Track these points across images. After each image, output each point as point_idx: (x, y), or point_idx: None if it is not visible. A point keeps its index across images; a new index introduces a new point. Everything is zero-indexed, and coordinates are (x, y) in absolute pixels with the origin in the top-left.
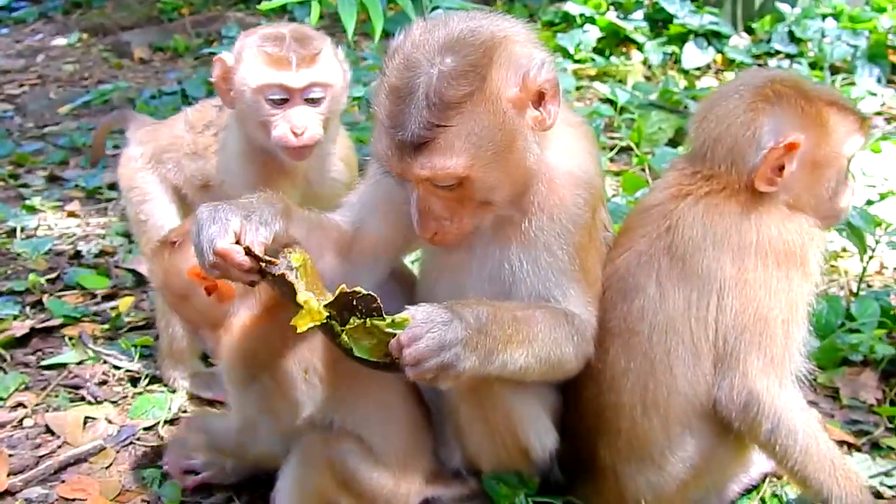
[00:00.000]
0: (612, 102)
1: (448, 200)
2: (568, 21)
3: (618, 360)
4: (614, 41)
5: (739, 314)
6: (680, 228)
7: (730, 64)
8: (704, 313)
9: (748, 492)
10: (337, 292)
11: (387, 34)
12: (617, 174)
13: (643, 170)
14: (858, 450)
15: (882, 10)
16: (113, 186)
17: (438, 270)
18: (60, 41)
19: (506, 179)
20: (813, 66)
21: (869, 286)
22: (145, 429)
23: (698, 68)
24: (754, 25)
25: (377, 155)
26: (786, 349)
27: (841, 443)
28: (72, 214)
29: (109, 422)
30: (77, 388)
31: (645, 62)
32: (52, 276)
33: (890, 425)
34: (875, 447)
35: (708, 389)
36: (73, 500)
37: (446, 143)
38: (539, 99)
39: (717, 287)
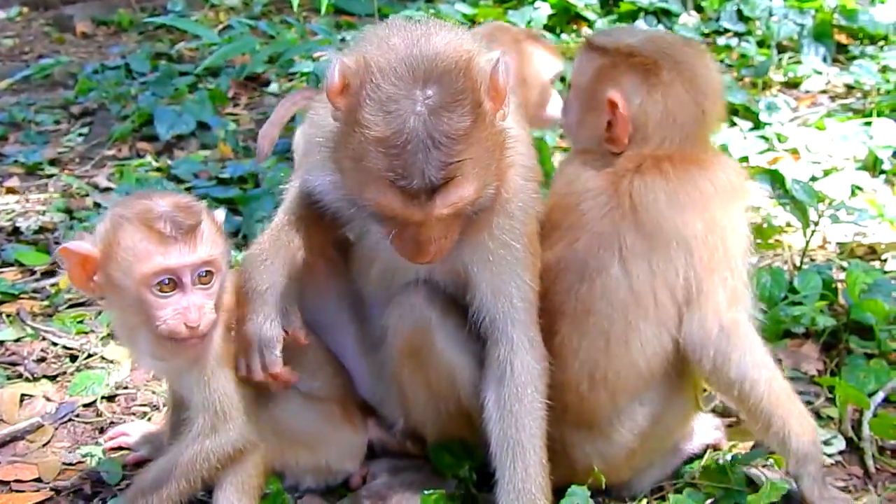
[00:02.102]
0: (562, 79)
1: (448, 221)
2: None
3: (568, 341)
4: (565, 18)
5: (709, 260)
6: (645, 205)
7: None
8: (674, 276)
9: (691, 461)
10: None
11: (335, 8)
12: (566, 150)
13: None
14: None
15: None
16: (53, 162)
17: (379, 259)
18: (0, 14)
19: (501, 183)
20: (760, 44)
21: (812, 260)
22: (85, 405)
23: None
24: (703, 4)
25: (379, 209)
26: (743, 281)
27: None
28: (11, 191)
29: (47, 399)
30: (14, 364)
31: None
32: None
33: (830, 395)
34: (816, 417)
35: (665, 358)
36: (10, 481)
37: (463, 176)
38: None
39: (685, 247)
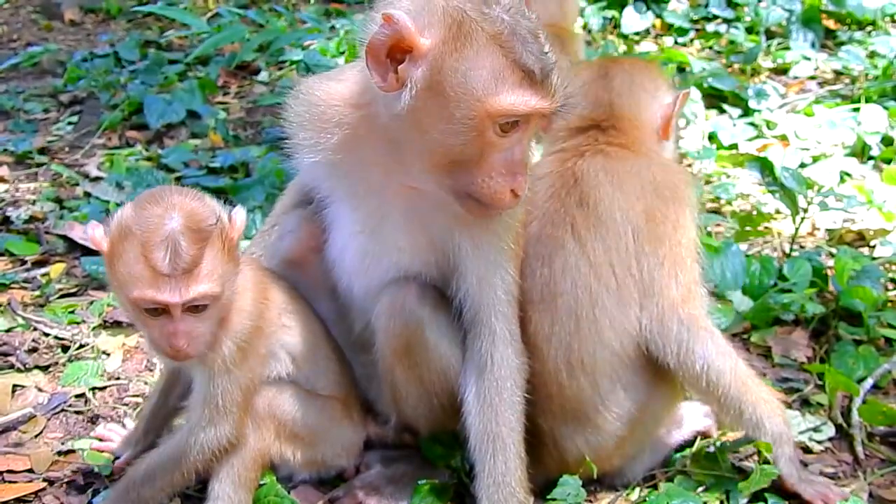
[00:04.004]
0: None
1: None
2: None
3: (540, 328)
4: None
5: (656, 250)
6: (586, 179)
7: (668, 29)
8: (625, 254)
9: (681, 448)
10: None
11: None
12: None
13: None
14: (789, 406)
15: None
16: (43, 151)
17: (360, 232)
18: None
19: None
20: (749, 30)
21: (801, 247)
22: (77, 396)
23: (637, 33)
24: None
25: (511, 110)
26: (695, 280)
27: None
28: (0, 179)
29: (39, 389)
30: (6, 355)
31: (585, 27)
32: None
33: (819, 382)
34: (805, 404)
35: (635, 337)
36: (3, 471)
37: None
38: None
39: (631, 228)
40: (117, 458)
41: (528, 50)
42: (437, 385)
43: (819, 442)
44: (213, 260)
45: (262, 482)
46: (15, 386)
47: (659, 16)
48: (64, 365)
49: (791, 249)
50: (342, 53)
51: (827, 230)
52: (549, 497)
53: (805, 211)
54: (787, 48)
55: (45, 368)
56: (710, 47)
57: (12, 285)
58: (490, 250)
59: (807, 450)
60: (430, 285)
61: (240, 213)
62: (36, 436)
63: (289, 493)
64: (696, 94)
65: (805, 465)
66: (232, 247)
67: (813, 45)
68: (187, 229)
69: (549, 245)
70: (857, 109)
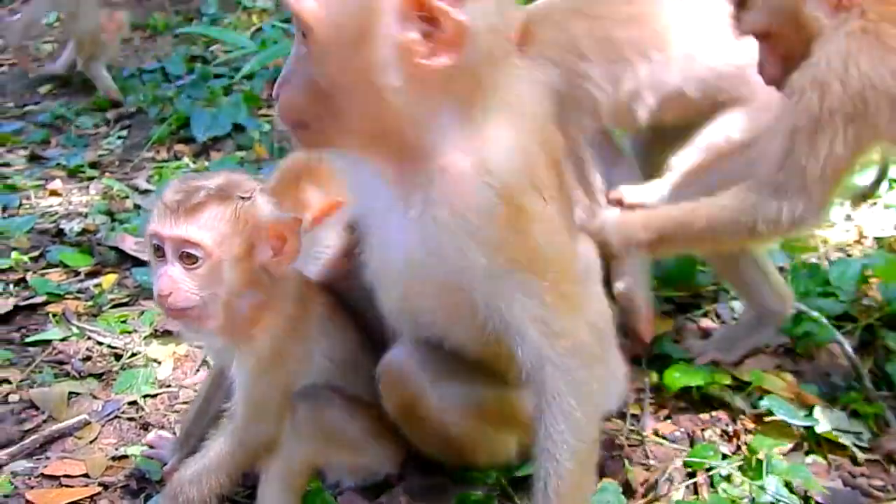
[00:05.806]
0: None
1: None
2: None
3: None
4: None
5: None
6: None
7: None
8: None
9: None
10: None
11: None
12: None
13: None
14: None
15: None
16: (94, 165)
17: (384, 253)
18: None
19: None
20: None
21: (848, 255)
22: (129, 403)
23: None
24: None
25: None
26: None
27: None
28: (54, 193)
29: (94, 397)
30: (61, 363)
31: None
32: (36, 254)
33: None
34: (852, 414)
35: None
36: (60, 476)
37: None
38: None
39: None
40: (166, 464)
41: None
42: (443, 437)
43: (862, 449)
44: (219, 218)
45: (308, 488)
46: (70, 393)
47: None
48: (117, 373)
49: (838, 257)
50: None
51: (875, 238)
52: None
53: (852, 218)
54: None
55: (98, 376)
56: None
57: (67, 296)
58: (501, 273)
59: (854, 461)
60: (433, 348)
61: (287, 219)
62: (91, 441)
63: (335, 499)
64: None
65: (853, 476)
66: (248, 223)
67: None
68: (216, 187)
69: None
70: None
